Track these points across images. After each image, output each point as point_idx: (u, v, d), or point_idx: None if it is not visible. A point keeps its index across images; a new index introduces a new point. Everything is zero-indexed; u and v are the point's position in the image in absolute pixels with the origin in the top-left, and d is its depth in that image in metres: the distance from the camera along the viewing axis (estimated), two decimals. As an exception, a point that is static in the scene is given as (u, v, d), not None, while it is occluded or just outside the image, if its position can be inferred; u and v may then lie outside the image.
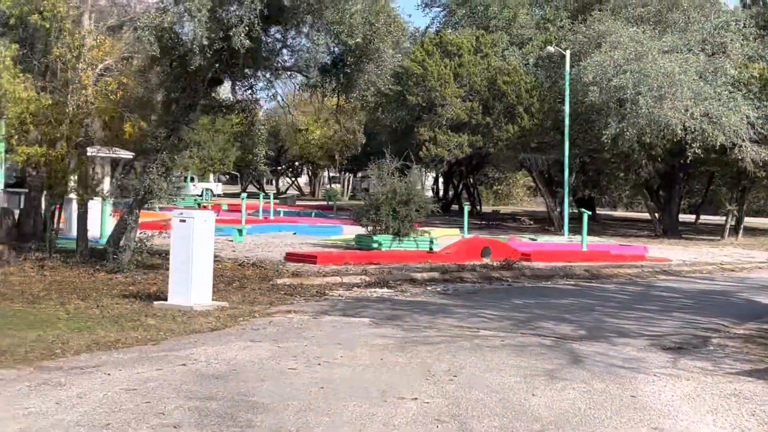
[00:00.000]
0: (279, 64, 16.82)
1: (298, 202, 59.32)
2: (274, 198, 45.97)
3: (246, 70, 16.07)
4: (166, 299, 13.07)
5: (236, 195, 68.88)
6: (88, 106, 16.83)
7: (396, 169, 25.25)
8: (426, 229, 26.22)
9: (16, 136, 16.55)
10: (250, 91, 16.44)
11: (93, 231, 19.36)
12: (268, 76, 17.01)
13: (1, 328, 10.39)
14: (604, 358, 10.11)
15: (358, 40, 15.62)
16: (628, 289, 18.10)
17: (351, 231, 30.58)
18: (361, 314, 12.97)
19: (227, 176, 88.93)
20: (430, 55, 38.36)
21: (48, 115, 16.60)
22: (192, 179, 60.21)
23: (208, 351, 9.68)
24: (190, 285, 12.77)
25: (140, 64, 17.63)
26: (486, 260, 22.13)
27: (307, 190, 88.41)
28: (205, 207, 44.55)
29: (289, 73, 17.44)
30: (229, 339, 10.54)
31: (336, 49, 16.24)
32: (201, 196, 57.40)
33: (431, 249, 24.26)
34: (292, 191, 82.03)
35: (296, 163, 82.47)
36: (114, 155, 20.06)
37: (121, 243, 16.61)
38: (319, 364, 9.15)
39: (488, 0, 41.78)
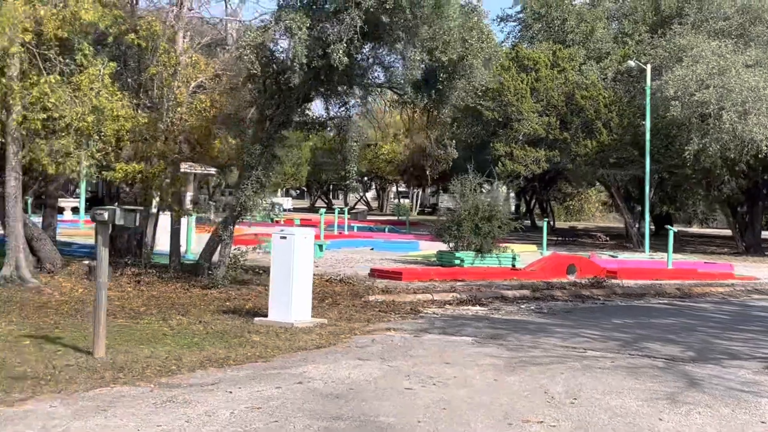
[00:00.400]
0: (370, 81, 16.83)
1: (368, 217, 59.41)
2: (340, 213, 46.05)
3: (339, 87, 16.11)
4: (265, 315, 13.12)
5: (304, 210, 69.41)
6: (182, 123, 17.04)
7: (479, 185, 25.12)
8: (505, 245, 26.02)
9: (112, 154, 16.77)
10: (343, 108, 16.51)
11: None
12: (359, 92, 17.02)
13: (112, 344, 10.48)
14: (722, 381, 9.84)
15: (452, 56, 15.57)
16: (725, 309, 17.68)
17: (427, 247, 30.55)
18: (462, 333, 12.85)
19: (298, 191, 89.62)
20: (507, 70, 38.15)
21: (144, 132, 16.84)
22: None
23: (320, 369, 9.66)
24: (291, 302, 12.79)
25: (232, 82, 17.79)
26: (571, 278, 21.85)
27: (374, 204, 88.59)
28: (277, 222, 44.88)
29: (379, 89, 17.43)
30: (336, 357, 10.51)
31: (428, 65, 16.16)
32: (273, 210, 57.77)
33: (514, 266, 24.06)
34: (361, 206, 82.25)
35: (365, 178, 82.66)
36: (204, 171, 20.28)
37: (215, 258, 16.75)
38: (434, 384, 9.07)
39: (565, 14, 41.45)
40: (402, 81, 16.46)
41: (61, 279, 16.16)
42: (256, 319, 12.98)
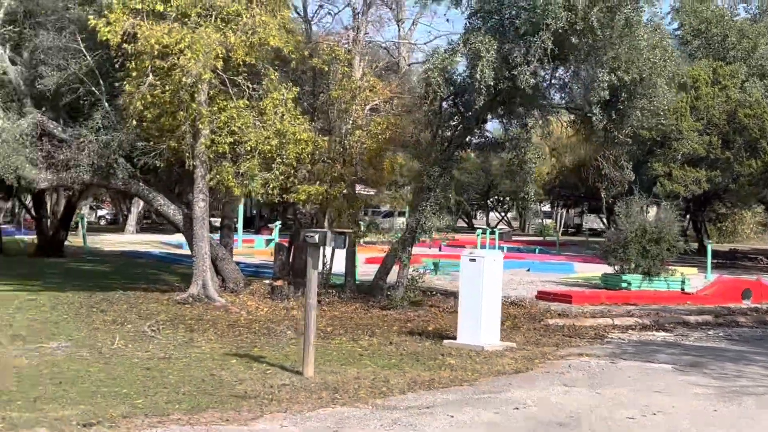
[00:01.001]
0: (549, 102, 16.66)
1: (512, 237, 58.86)
2: (491, 234, 45.73)
3: (520, 108, 15.99)
4: (451, 337, 13.11)
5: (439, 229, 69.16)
6: (360, 145, 17.27)
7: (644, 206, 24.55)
8: (672, 268, 25.26)
9: (292, 176, 17.04)
10: (523, 129, 16.36)
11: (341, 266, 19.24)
12: (535, 113, 16.86)
13: (316, 363, 10.61)
14: None
15: (635, 75, 15.26)
16: None
17: (581, 269, 30.01)
18: (657, 360, 12.48)
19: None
20: (665, 88, 37.14)
21: (324, 154, 17.14)
22: (401, 213, 60.96)
23: (530, 395, 9.53)
24: (480, 325, 12.72)
25: (405, 104, 17.94)
26: (747, 303, 21.05)
27: (515, 224, 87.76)
28: (423, 242, 44.90)
29: (557, 110, 17.24)
30: (539, 382, 10.38)
31: (609, 84, 15.85)
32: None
33: (683, 289, 23.34)
34: (502, 226, 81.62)
35: (507, 198, 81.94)
36: (372, 193, 20.52)
37: (389, 279, 16.87)
38: (654, 414, 8.81)
39: (725, 30, 40.09)
40: (580, 101, 16.24)
41: (245, 298, 16.57)
42: (446, 341, 12.96)
